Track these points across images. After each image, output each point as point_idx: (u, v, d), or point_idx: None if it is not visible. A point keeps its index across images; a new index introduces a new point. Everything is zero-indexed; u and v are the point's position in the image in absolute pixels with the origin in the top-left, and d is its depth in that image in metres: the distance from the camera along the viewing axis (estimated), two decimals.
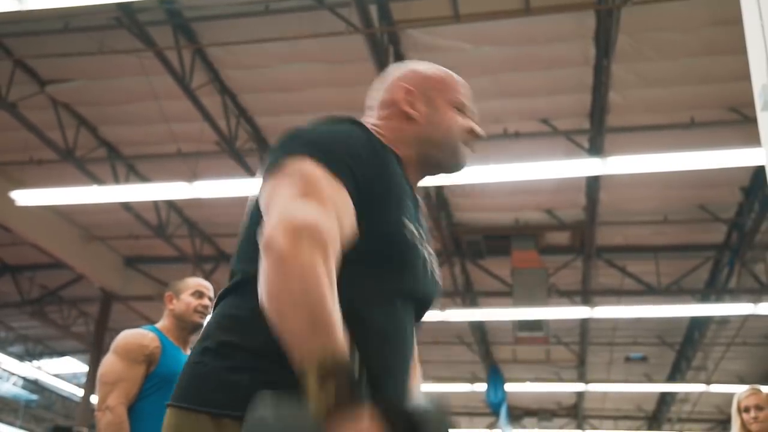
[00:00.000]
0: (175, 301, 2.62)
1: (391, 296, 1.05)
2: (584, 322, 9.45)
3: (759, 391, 2.94)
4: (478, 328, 10.20)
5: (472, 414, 13.99)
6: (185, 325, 2.61)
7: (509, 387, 11.34)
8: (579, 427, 14.08)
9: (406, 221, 1.08)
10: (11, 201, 6.60)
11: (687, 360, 10.60)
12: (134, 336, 2.51)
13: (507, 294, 8.42)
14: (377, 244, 1.03)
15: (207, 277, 7.65)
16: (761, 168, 5.26)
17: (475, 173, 5.81)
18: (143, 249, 9.06)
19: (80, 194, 6.77)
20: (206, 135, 6.61)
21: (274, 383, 0.90)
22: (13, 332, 12.01)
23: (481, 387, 11.50)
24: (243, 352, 0.97)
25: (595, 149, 6.29)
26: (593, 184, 6.85)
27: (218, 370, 0.98)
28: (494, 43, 5.54)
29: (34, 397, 14.52)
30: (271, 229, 0.91)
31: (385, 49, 5.49)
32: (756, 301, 7.77)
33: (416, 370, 1.22)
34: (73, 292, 10.11)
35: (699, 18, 5.18)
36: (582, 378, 11.50)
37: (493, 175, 5.93)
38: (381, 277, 1.04)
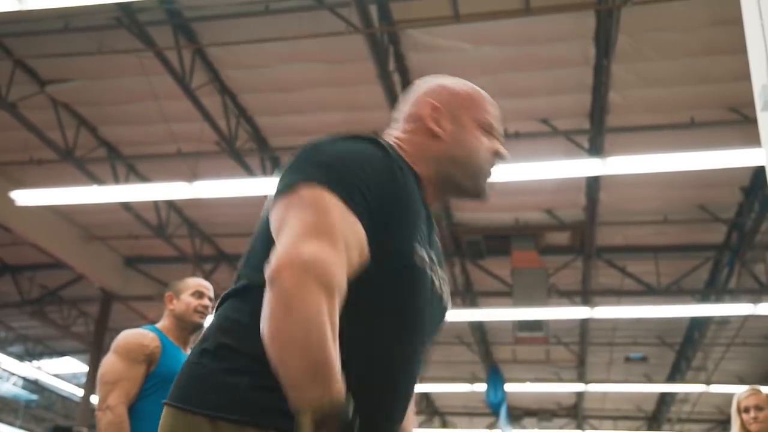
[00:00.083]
0: (175, 301, 2.62)
1: (396, 324, 1.04)
2: (584, 323, 9.45)
3: (759, 391, 2.94)
4: (478, 328, 10.20)
5: (471, 414, 13.99)
6: (185, 325, 2.61)
7: (509, 387, 11.34)
8: (579, 427, 14.08)
9: (417, 246, 1.06)
10: (11, 201, 6.60)
11: (687, 360, 10.60)
12: (134, 336, 2.52)
13: (507, 294, 8.42)
14: (386, 268, 1.02)
15: (207, 277, 7.65)
16: (761, 168, 5.26)
17: None
18: (143, 249, 9.06)
19: (80, 194, 6.77)
20: (206, 135, 6.61)
21: (272, 388, 0.90)
22: (13, 332, 12.01)
23: (481, 387, 11.50)
24: (241, 356, 0.97)
25: (595, 149, 6.29)
26: (593, 184, 6.85)
27: (216, 372, 0.98)
28: (494, 43, 5.54)
29: (34, 397, 14.52)
30: (278, 262, 0.91)
31: (385, 49, 5.49)
32: (756, 301, 7.76)
33: (411, 413, 1.22)
34: (73, 292, 10.11)
35: (699, 18, 5.18)
36: (582, 378, 11.50)
37: (492, 175, 5.91)
38: (387, 303, 1.03)
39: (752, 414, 2.85)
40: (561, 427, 14.25)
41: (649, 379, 11.89)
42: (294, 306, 0.88)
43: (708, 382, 10.80)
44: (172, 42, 5.60)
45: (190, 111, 6.25)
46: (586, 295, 8.73)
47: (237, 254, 9.22)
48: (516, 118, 6.32)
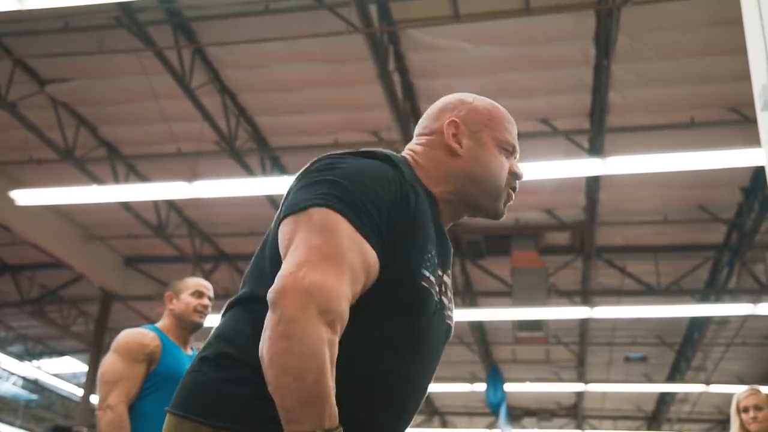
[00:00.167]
0: (174, 301, 2.62)
1: (399, 344, 1.03)
2: (584, 322, 9.46)
3: (758, 391, 2.94)
4: (478, 328, 10.20)
5: (471, 414, 13.99)
6: (185, 325, 2.61)
7: (509, 387, 11.35)
8: (578, 427, 14.08)
9: (425, 271, 1.05)
10: (11, 200, 6.60)
11: (686, 360, 10.60)
12: (135, 335, 2.52)
13: (507, 294, 8.42)
14: (392, 289, 1.02)
15: (207, 277, 7.65)
16: (761, 168, 5.26)
17: None
18: (143, 249, 9.06)
19: (80, 194, 6.77)
20: (206, 135, 6.61)
21: (270, 397, 0.90)
22: (13, 332, 12.00)
23: (481, 387, 11.50)
24: (242, 365, 0.98)
25: (595, 149, 6.29)
26: (593, 184, 6.85)
27: (217, 381, 0.98)
28: (494, 43, 5.54)
29: (34, 396, 14.52)
30: (282, 286, 0.91)
31: (385, 48, 5.49)
32: (755, 301, 7.77)
33: None
34: (72, 292, 10.11)
35: (699, 18, 5.18)
36: (581, 378, 11.50)
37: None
38: (391, 323, 1.03)
39: (751, 414, 2.86)
40: (561, 427, 14.26)
41: (648, 379, 11.89)
42: (294, 335, 0.88)
43: (707, 382, 10.81)
44: (171, 42, 5.60)
45: (189, 111, 6.25)
46: (585, 295, 8.73)
47: (237, 254, 9.28)
48: (516, 118, 6.25)
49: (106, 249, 9.15)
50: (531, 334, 8.29)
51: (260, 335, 0.93)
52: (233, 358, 0.99)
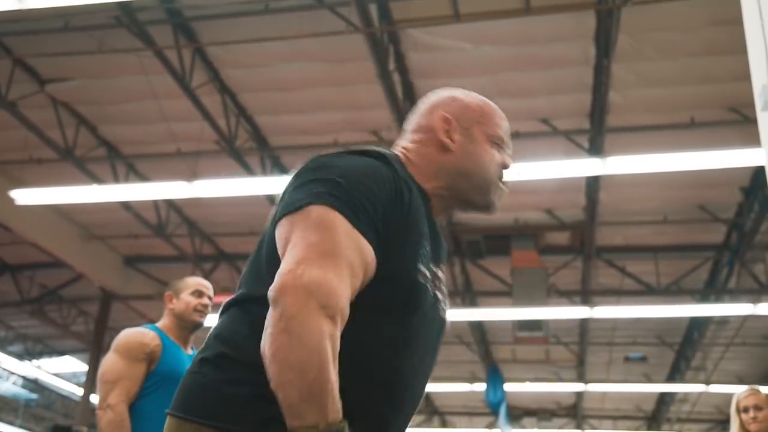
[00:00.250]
0: (174, 301, 2.63)
1: (396, 339, 1.04)
2: (584, 322, 9.46)
3: (758, 391, 2.94)
4: (478, 327, 10.20)
5: (471, 414, 13.99)
6: (185, 324, 2.61)
7: (509, 387, 11.35)
8: (578, 427, 14.08)
9: (421, 266, 1.06)
10: (11, 200, 6.60)
11: (686, 360, 10.60)
12: (135, 334, 2.52)
13: (506, 294, 8.42)
14: (388, 285, 1.03)
15: (206, 277, 7.64)
16: (761, 168, 5.26)
17: None
18: (143, 248, 9.06)
19: (80, 193, 6.77)
20: (206, 134, 6.61)
21: (272, 399, 0.90)
22: (13, 331, 12.00)
23: (481, 387, 11.50)
24: (242, 366, 0.98)
25: (595, 149, 6.29)
26: (593, 184, 6.85)
27: (217, 382, 0.98)
28: (494, 42, 5.54)
29: (34, 396, 14.52)
30: (282, 283, 0.92)
31: (385, 48, 5.49)
32: (755, 301, 7.77)
33: None
34: (72, 292, 10.11)
35: (699, 18, 5.18)
36: (581, 378, 11.50)
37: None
38: (388, 319, 1.03)
39: (751, 414, 2.86)
40: (560, 427, 14.26)
41: (648, 379, 11.89)
42: (295, 330, 0.89)
43: (707, 382, 10.81)
44: (171, 41, 5.60)
45: (189, 110, 6.25)
46: (585, 294, 8.73)
47: (236, 253, 9.28)
48: (516, 118, 6.32)
49: (106, 248, 9.15)
50: (531, 334, 8.29)
51: (259, 335, 0.93)
52: (232, 358, 0.99)
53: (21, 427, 13.82)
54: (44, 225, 8.03)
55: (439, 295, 1.13)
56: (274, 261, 1.00)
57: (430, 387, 12.29)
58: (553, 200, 7.53)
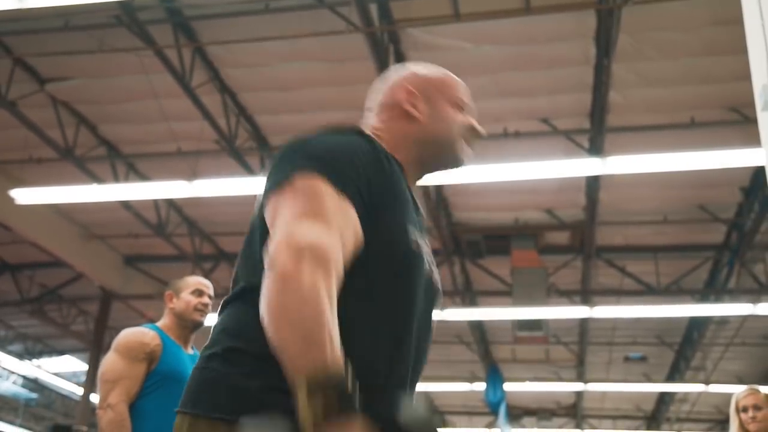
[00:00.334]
0: (175, 300, 2.63)
1: (394, 307, 1.05)
2: (583, 322, 9.46)
3: (757, 391, 2.94)
4: (478, 327, 10.20)
5: (471, 413, 13.99)
6: (186, 324, 2.61)
7: (508, 386, 11.35)
8: (578, 426, 14.09)
9: (411, 229, 1.09)
10: (11, 199, 6.60)
11: (686, 360, 10.60)
12: (135, 334, 2.52)
13: (506, 293, 8.42)
14: (383, 253, 1.04)
15: (207, 276, 7.64)
16: (761, 168, 5.26)
17: (475, 173, 5.81)
18: (143, 248, 9.06)
19: (80, 193, 6.77)
20: (206, 134, 6.61)
21: (284, 390, 0.90)
22: (13, 331, 12.01)
23: (481, 386, 11.50)
24: (251, 358, 0.98)
25: (595, 149, 6.29)
26: (593, 183, 6.85)
27: (227, 376, 0.98)
28: (494, 42, 5.54)
29: (34, 395, 14.52)
30: (275, 248, 0.93)
31: (386, 48, 5.49)
32: (755, 301, 7.77)
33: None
34: (72, 291, 10.11)
35: (700, 18, 5.18)
36: (581, 377, 11.51)
37: (493, 175, 5.93)
38: (385, 288, 1.04)
39: (750, 413, 2.86)
40: (560, 427, 14.26)
41: (648, 379, 11.89)
42: (289, 281, 0.90)
43: (707, 382, 10.81)
44: (172, 40, 5.60)
45: (189, 110, 6.25)
46: (585, 294, 8.73)
47: (236, 253, 9.19)
48: (516, 118, 6.32)
49: (106, 248, 9.15)
50: (531, 334, 8.29)
51: (262, 328, 0.93)
52: (242, 351, 0.99)
53: (21, 426, 13.82)
54: (44, 224, 8.03)
55: (432, 266, 1.15)
56: (264, 245, 1.00)
57: (430, 386, 12.32)
58: (553, 200, 7.53)
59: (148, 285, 9.42)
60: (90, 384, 9.21)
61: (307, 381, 0.85)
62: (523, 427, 14.23)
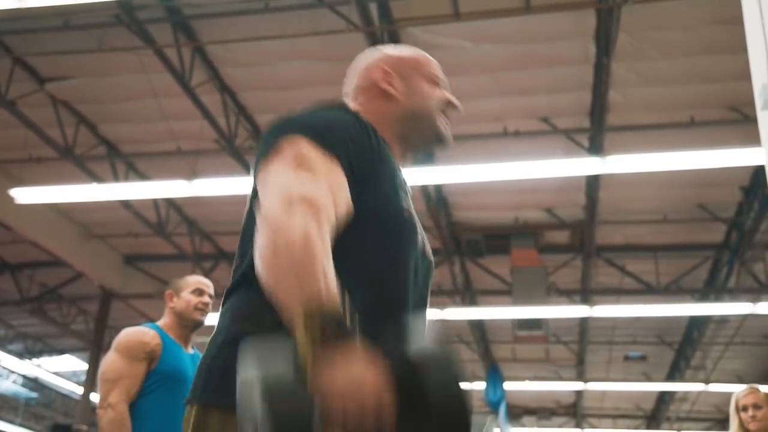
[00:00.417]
0: (175, 299, 2.63)
1: (388, 268, 1.05)
2: (583, 321, 9.46)
3: (757, 390, 2.95)
4: (478, 326, 10.21)
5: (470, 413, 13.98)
6: (186, 323, 2.61)
7: (508, 386, 11.35)
8: (578, 425, 14.10)
9: (403, 197, 1.11)
10: (11, 199, 6.60)
11: (686, 359, 10.61)
12: (135, 333, 2.52)
13: (506, 293, 8.42)
14: (375, 219, 1.05)
15: (207, 275, 7.63)
16: (761, 167, 5.26)
17: (475, 172, 5.81)
18: (143, 247, 9.06)
19: (80, 192, 6.77)
20: (206, 133, 6.60)
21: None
22: (13, 330, 12.01)
23: (480, 386, 11.51)
24: None
25: (595, 148, 6.29)
26: (593, 183, 6.85)
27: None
28: (494, 41, 5.53)
29: (34, 395, 14.53)
30: (266, 203, 0.94)
31: None
32: (755, 300, 7.77)
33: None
34: (72, 290, 10.11)
35: (699, 17, 5.18)
36: (581, 377, 11.51)
37: (492, 174, 5.93)
38: (379, 247, 1.05)
39: (750, 413, 2.86)
40: (560, 426, 14.27)
41: (648, 378, 11.90)
42: (282, 229, 0.90)
43: (707, 381, 10.82)
44: (171, 40, 5.60)
45: (189, 109, 6.25)
46: (585, 293, 8.73)
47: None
48: (516, 117, 6.32)
49: (105, 247, 9.15)
50: (530, 333, 8.30)
51: (270, 309, 0.91)
52: (252, 335, 0.97)
53: (21, 425, 13.82)
54: (44, 224, 8.02)
55: (425, 240, 1.17)
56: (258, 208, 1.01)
57: None
58: (553, 199, 7.53)
59: (148, 284, 9.42)
60: (90, 383, 9.21)
61: (303, 314, 0.83)
62: (523, 426, 14.24)
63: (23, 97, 6.29)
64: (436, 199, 7.39)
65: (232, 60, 5.95)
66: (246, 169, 7.02)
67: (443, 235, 7.89)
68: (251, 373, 0.79)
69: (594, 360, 11.21)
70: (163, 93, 6.13)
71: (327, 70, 5.91)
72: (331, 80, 6.05)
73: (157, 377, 2.44)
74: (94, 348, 9.51)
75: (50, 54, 5.84)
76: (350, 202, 1.02)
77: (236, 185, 6.40)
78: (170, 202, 8.09)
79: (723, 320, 9.26)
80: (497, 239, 8.10)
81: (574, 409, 13.49)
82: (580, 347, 10.49)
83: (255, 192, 1.06)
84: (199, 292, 2.64)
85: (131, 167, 7.49)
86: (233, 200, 7.25)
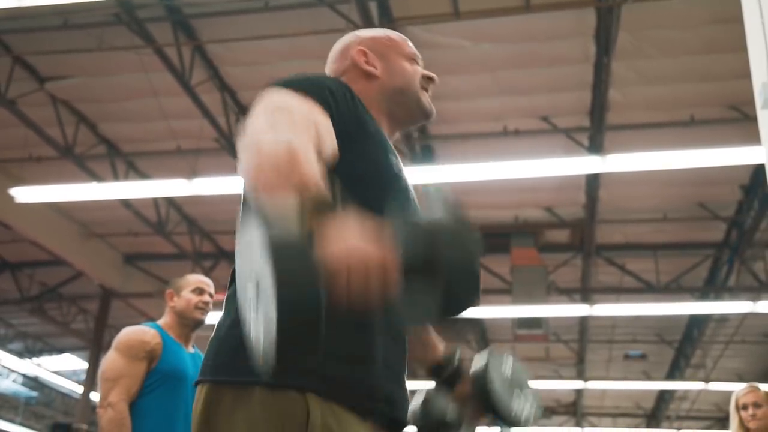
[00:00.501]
0: (175, 298, 2.63)
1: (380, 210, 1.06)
2: (583, 320, 9.46)
3: (757, 388, 2.95)
4: (477, 325, 10.21)
5: None
6: (186, 322, 2.61)
7: None
8: (578, 424, 14.10)
9: (390, 153, 1.14)
10: (11, 198, 6.59)
11: (686, 358, 10.61)
12: (135, 333, 2.52)
13: (506, 291, 8.43)
14: (361, 168, 1.07)
15: (207, 274, 7.63)
16: (761, 166, 5.26)
17: (475, 170, 5.81)
18: (143, 246, 9.06)
19: (80, 191, 6.77)
20: (206, 132, 6.60)
21: (307, 350, 0.88)
22: (13, 329, 12.01)
23: None
24: None
25: (595, 147, 6.29)
26: (593, 181, 6.85)
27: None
28: (494, 40, 5.53)
29: (34, 394, 14.53)
30: (247, 132, 0.97)
31: None
32: (755, 299, 7.77)
33: None
34: (72, 289, 10.11)
35: (699, 16, 5.18)
36: (581, 375, 11.51)
37: (492, 173, 5.93)
38: (366, 197, 1.04)
39: (750, 411, 2.86)
40: (560, 425, 14.27)
41: (648, 377, 11.90)
42: (264, 142, 0.92)
43: (707, 380, 10.82)
44: (171, 39, 5.60)
45: (189, 108, 6.25)
46: (585, 292, 8.73)
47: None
48: (516, 116, 6.32)
49: (105, 246, 9.15)
50: (530, 332, 8.30)
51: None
52: None
53: (21, 424, 13.83)
54: (44, 223, 8.03)
55: (410, 187, 1.19)
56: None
57: (430, 386, 12.27)
58: (552, 198, 7.53)
59: (148, 283, 9.42)
60: (90, 382, 9.21)
61: (298, 194, 0.84)
62: None
63: (23, 97, 6.28)
64: None
65: (232, 59, 5.95)
66: None
67: None
68: (255, 233, 0.80)
69: (594, 359, 11.22)
70: (163, 92, 6.13)
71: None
72: None
73: (157, 376, 2.44)
74: (94, 347, 9.51)
75: (50, 53, 5.84)
76: (335, 146, 1.04)
77: (236, 184, 6.39)
78: (170, 201, 8.09)
79: (723, 319, 9.26)
80: (497, 238, 8.10)
81: (574, 407, 13.49)
82: (580, 346, 10.49)
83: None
84: (200, 291, 2.64)
85: (131, 166, 7.49)
86: (233, 199, 7.23)
